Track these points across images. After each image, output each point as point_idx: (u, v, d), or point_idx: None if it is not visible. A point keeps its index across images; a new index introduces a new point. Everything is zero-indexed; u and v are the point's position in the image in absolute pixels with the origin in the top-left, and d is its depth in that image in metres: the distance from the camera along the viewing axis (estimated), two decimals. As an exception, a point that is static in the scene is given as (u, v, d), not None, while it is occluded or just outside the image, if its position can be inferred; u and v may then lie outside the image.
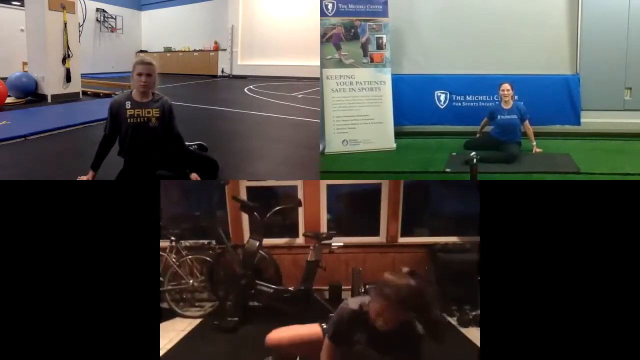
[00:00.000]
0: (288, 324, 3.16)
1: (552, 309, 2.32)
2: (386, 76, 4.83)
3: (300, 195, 4.09)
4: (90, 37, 14.03)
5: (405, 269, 1.74)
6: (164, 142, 3.12)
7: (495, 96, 4.61)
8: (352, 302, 1.83)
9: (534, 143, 4.44)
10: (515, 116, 4.33)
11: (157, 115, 3.04)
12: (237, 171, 3.89)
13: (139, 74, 2.98)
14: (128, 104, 3.02)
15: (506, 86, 4.36)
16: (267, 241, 3.80)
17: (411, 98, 5.25)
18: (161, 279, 3.80)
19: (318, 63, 4.75)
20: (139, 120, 3.02)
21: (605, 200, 2.37)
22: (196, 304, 3.99)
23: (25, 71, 7.45)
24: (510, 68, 5.08)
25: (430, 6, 5.29)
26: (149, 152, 3.07)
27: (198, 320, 3.70)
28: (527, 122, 4.39)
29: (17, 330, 2.27)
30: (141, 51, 16.50)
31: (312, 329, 2.05)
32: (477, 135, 4.70)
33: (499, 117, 4.36)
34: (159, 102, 3.06)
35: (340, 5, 4.70)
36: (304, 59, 11.56)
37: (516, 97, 4.54)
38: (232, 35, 14.15)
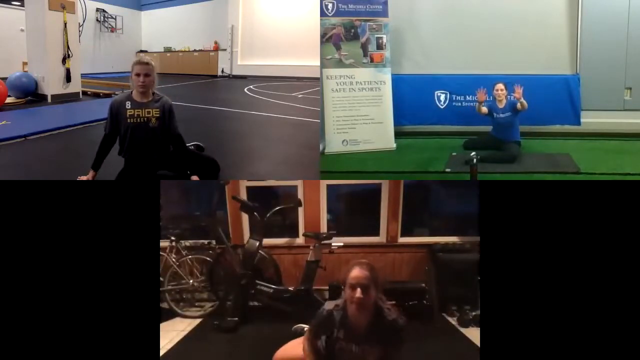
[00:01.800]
0: (288, 324, 3.19)
1: (552, 309, 2.32)
2: (386, 76, 4.83)
3: (300, 195, 4.09)
4: (90, 37, 14.03)
5: (363, 260, 1.87)
6: (164, 142, 3.12)
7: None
8: (328, 304, 1.95)
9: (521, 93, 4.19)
10: (509, 113, 4.31)
11: (157, 115, 3.04)
12: (237, 171, 3.89)
13: (137, 74, 2.99)
14: (128, 104, 3.02)
15: (500, 86, 4.34)
16: (267, 241, 3.80)
17: (411, 98, 5.24)
18: (161, 279, 3.80)
19: (318, 63, 4.74)
20: (138, 121, 3.02)
21: (605, 200, 2.37)
22: (196, 304, 3.99)
23: (25, 71, 7.45)
24: (511, 68, 5.07)
25: (430, 6, 5.29)
26: (149, 152, 3.08)
27: (198, 320, 3.70)
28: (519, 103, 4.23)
29: (17, 330, 2.27)
30: (141, 51, 16.49)
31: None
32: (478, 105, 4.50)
33: (495, 115, 4.36)
34: (159, 102, 3.07)
35: (340, 5, 4.70)
36: (304, 59, 11.56)
37: (514, 96, 4.53)
38: (232, 35, 14.15)
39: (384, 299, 1.88)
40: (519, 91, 4.21)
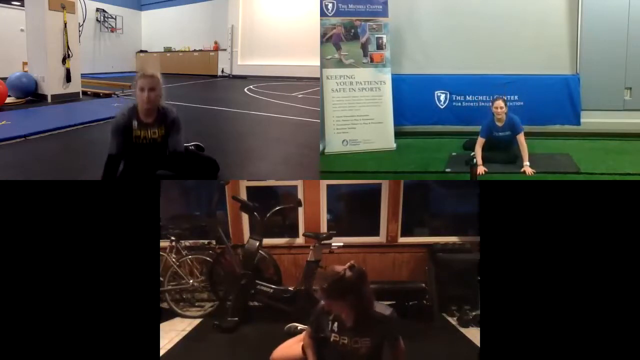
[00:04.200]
0: (288, 324, 3.19)
1: (552, 309, 2.32)
2: (386, 76, 4.83)
3: (300, 195, 4.09)
4: (90, 37, 14.02)
5: (349, 264, 1.88)
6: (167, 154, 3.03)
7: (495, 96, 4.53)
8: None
9: (526, 163, 3.94)
10: (508, 132, 4.12)
11: (163, 134, 2.89)
12: (237, 171, 3.89)
13: (141, 89, 2.76)
14: (135, 124, 2.82)
15: (499, 103, 4.07)
16: (267, 241, 3.80)
17: (411, 98, 5.23)
18: (161, 279, 3.80)
19: (318, 63, 4.74)
20: (145, 142, 2.86)
21: (605, 200, 2.37)
22: (196, 304, 4.00)
23: (25, 71, 7.45)
24: (510, 68, 5.07)
25: (430, 6, 5.28)
26: (151, 165, 3.01)
27: (198, 320, 3.71)
28: (520, 135, 4.03)
29: (17, 330, 2.27)
30: (141, 51, 16.50)
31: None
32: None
33: (493, 133, 4.14)
34: (165, 118, 2.87)
35: (340, 5, 4.70)
36: (304, 59, 11.56)
37: (516, 98, 4.49)
38: (232, 35, 14.15)
39: (370, 293, 1.92)
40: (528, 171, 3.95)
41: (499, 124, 4.11)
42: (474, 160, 3.56)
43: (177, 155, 2.93)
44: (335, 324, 1.93)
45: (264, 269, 3.79)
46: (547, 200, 2.40)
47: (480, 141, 4.06)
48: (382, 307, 1.93)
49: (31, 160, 4.01)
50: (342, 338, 1.92)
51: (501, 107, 4.07)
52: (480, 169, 3.93)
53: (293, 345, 2.16)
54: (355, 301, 1.84)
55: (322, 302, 1.99)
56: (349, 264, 1.86)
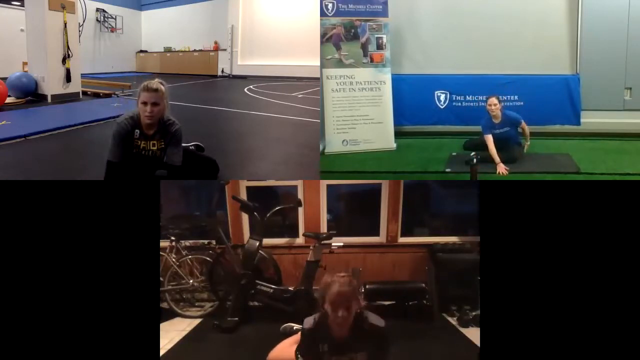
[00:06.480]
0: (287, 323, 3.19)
1: (552, 309, 2.32)
2: (386, 76, 4.83)
3: (300, 195, 4.09)
4: (90, 37, 14.02)
5: (341, 274, 1.87)
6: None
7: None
8: (306, 322, 1.95)
9: (528, 142, 4.32)
10: (507, 128, 4.16)
11: (162, 147, 2.86)
12: (237, 171, 3.89)
13: (144, 103, 2.69)
14: (137, 133, 2.78)
15: (493, 100, 4.12)
16: (267, 241, 3.80)
17: (411, 98, 5.24)
18: (161, 279, 3.80)
19: (318, 63, 4.75)
20: (144, 153, 2.85)
21: (605, 200, 2.37)
22: (196, 304, 4.00)
23: (25, 71, 7.44)
24: (510, 68, 5.07)
25: (430, 6, 5.29)
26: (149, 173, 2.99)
27: (198, 320, 3.71)
28: (522, 123, 4.21)
29: (17, 330, 2.27)
30: (141, 51, 16.50)
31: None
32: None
33: (492, 131, 4.14)
34: (166, 131, 2.82)
35: (340, 5, 4.70)
36: (304, 59, 11.56)
37: (516, 98, 4.50)
38: (232, 35, 14.15)
39: (360, 302, 1.87)
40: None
41: (496, 121, 4.16)
42: (474, 160, 3.56)
43: (173, 168, 2.90)
44: (326, 345, 1.86)
45: (264, 269, 3.79)
46: (547, 200, 2.40)
47: (488, 138, 4.10)
48: (376, 318, 1.88)
49: (31, 160, 4.01)
50: (335, 357, 1.85)
51: (495, 104, 4.13)
52: (502, 168, 3.98)
53: (289, 347, 2.15)
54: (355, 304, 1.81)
55: (306, 323, 1.93)
56: (341, 274, 1.85)
